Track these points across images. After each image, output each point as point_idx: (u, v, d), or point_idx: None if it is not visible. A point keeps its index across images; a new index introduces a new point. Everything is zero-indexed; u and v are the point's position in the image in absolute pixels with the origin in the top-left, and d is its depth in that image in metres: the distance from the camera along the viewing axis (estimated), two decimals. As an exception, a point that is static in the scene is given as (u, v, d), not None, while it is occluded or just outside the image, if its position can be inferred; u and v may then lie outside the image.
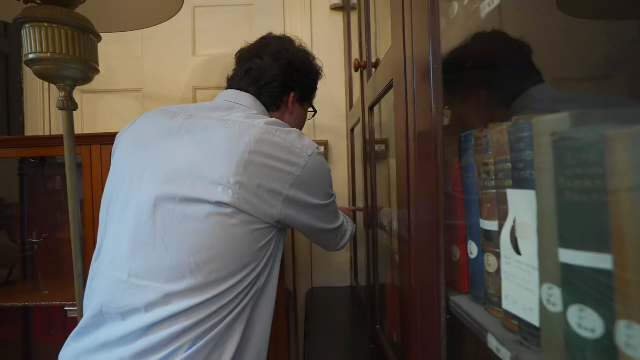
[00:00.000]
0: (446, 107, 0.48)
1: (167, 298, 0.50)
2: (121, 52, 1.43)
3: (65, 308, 1.06)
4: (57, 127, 1.45)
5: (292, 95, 0.75)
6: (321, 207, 0.64)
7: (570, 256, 0.25)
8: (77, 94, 1.18)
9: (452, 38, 0.47)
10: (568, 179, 0.24)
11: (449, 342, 0.44)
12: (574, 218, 0.24)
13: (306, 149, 0.59)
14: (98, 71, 0.79)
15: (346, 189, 1.37)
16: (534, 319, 0.30)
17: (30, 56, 0.69)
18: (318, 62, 0.81)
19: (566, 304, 0.25)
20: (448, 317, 0.44)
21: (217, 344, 0.51)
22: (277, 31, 1.40)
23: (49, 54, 0.69)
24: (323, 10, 1.42)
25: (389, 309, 0.88)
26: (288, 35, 0.79)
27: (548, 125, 0.26)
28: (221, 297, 0.51)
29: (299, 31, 1.41)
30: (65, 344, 0.58)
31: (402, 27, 0.55)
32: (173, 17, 0.94)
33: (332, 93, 1.40)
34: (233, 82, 0.74)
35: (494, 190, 0.36)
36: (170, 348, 0.48)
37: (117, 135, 0.66)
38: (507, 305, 0.34)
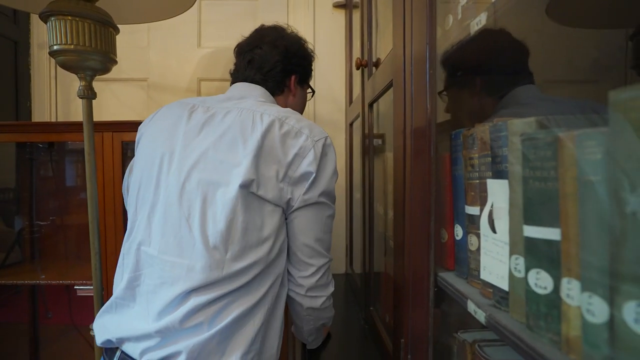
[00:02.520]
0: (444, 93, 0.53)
1: (191, 273, 0.56)
2: (127, 42, 1.46)
3: (75, 287, 1.11)
4: (63, 112, 1.48)
5: (292, 78, 0.80)
6: (322, 205, 0.66)
7: (531, 231, 0.31)
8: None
9: (447, 46, 0.53)
10: (531, 169, 0.30)
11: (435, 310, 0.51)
12: (535, 200, 0.30)
13: (314, 136, 0.63)
14: (116, 62, 0.84)
15: (343, 181, 1.44)
16: (504, 284, 0.37)
17: (55, 47, 0.73)
18: (309, 46, 0.86)
19: (527, 269, 0.32)
20: (435, 289, 0.51)
21: (239, 322, 0.56)
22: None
23: (72, 46, 0.73)
24: (326, 7, 1.47)
25: (382, 292, 0.95)
26: (279, 23, 0.83)
27: (519, 127, 0.33)
28: (241, 273, 0.57)
29: (302, 27, 1.46)
30: (98, 315, 0.64)
31: (403, 34, 0.61)
32: (186, 11, 0.99)
33: (332, 88, 1.46)
34: (238, 75, 0.78)
35: (477, 181, 0.43)
36: (197, 320, 0.54)
37: (140, 127, 0.71)
38: (484, 275, 0.41)
